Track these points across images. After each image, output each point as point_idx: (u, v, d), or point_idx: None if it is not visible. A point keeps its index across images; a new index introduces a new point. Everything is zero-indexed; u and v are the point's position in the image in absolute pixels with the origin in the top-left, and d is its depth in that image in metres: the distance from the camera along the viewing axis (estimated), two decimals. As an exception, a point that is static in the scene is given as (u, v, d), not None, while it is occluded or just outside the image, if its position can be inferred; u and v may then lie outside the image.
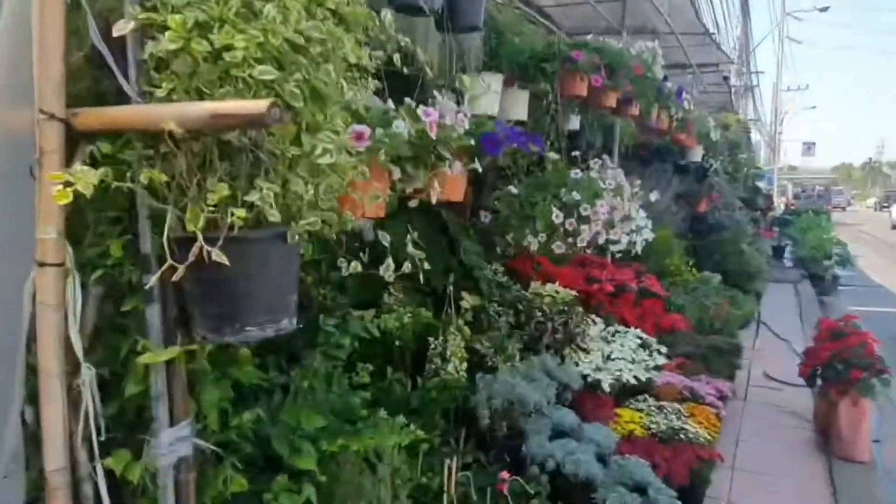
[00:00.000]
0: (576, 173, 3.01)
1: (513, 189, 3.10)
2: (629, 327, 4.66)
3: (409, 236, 4.02)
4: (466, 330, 3.81)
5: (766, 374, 5.78)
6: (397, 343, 3.32)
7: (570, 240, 3.04)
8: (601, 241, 3.24)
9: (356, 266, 2.29)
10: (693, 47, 8.17)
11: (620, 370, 3.81)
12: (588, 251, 3.75)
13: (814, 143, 46.08)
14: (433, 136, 2.15)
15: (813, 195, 30.40)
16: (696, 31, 7.58)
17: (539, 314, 3.99)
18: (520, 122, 3.87)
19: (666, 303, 5.69)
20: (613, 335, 4.44)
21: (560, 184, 2.98)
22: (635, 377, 3.89)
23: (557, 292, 4.44)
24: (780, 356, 6.38)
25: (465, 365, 3.30)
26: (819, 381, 4.45)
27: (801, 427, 4.61)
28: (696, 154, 8.08)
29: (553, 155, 3.08)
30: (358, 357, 3.48)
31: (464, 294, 4.06)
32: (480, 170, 2.48)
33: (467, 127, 2.36)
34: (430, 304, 4.12)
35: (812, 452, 4.22)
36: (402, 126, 2.06)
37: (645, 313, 5.26)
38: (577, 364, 3.81)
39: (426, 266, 3.67)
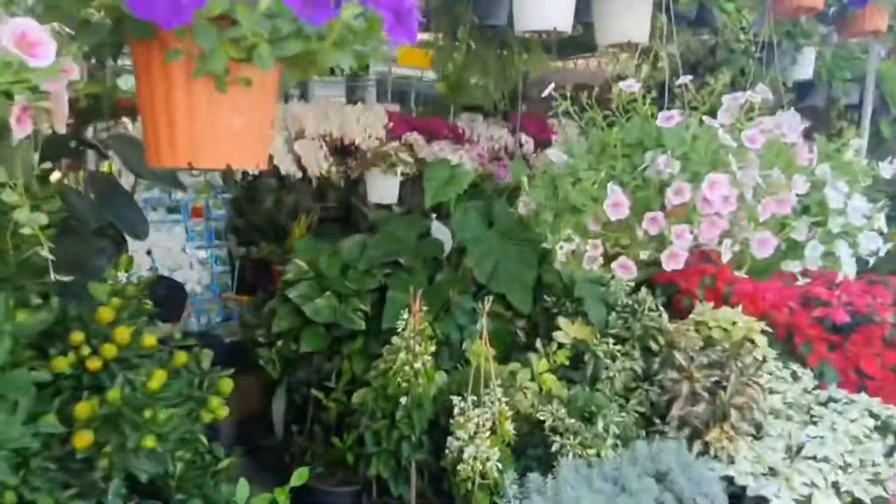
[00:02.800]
0: (668, 117, 1.38)
1: (553, 154, 1.58)
2: (861, 390, 2.83)
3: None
4: (550, 380, 2.46)
5: None
6: (402, 401, 2.12)
7: (647, 253, 1.47)
8: (732, 247, 1.57)
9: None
10: None
11: (813, 484, 2.12)
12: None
13: None
14: None
15: None
16: None
17: (675, 364, 2.45)
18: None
19: (948, 345, 3.58)
20: (825, 403, 2.68)
21: (648, 142, 1.42)
22: (847, 493, 2.17)
23: (734, 323, 2.85)
24: None
25: (496, 450, 1.97)
26: None
27: None
28: None
29: (625, 85, 1.48)
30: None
31: (561, 321, 2.68)
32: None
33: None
34: (518, 333, 2.84)
35: None
36: None
37: (904, 362, 3.29)
38: (731, 460, 2.22)
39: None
